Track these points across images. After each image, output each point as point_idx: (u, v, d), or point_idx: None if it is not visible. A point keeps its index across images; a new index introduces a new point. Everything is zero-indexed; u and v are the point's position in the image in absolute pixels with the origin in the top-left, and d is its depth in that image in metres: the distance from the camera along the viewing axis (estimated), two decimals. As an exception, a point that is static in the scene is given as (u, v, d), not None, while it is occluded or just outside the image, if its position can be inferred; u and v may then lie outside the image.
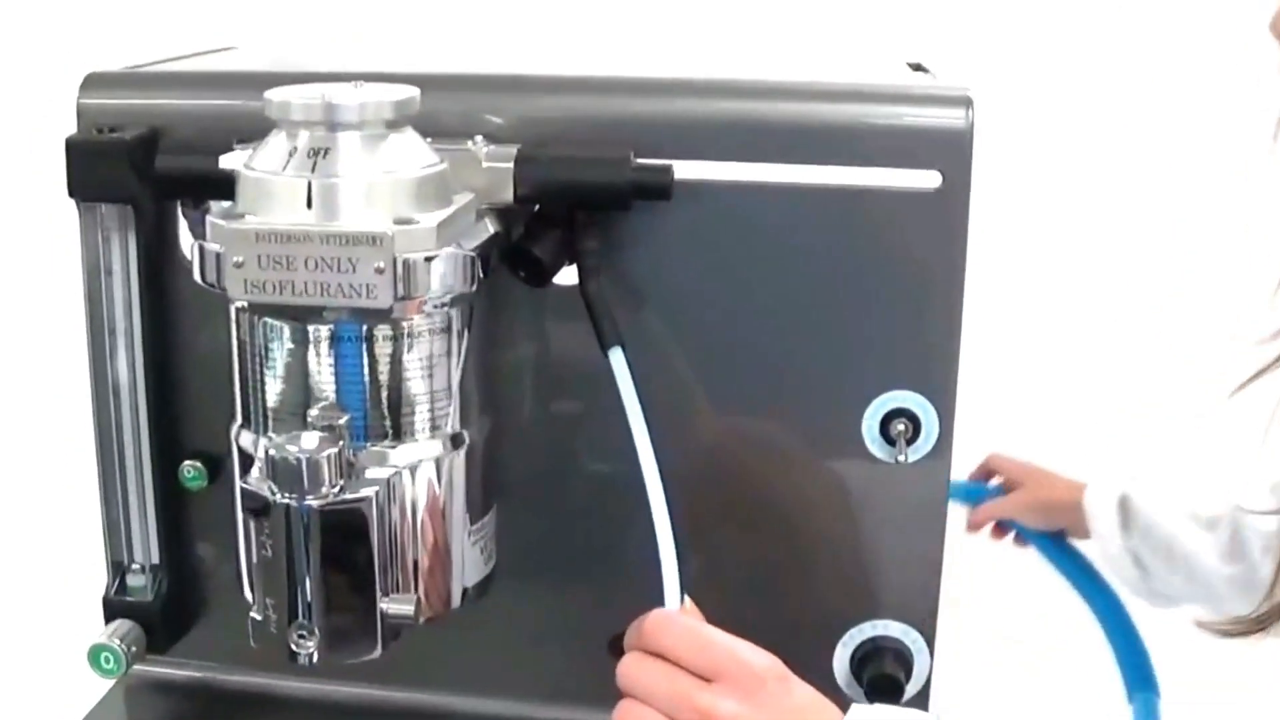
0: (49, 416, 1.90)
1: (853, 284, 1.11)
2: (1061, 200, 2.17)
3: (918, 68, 1.28)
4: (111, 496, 1.19)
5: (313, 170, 0.98)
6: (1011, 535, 1.81)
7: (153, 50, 1.29)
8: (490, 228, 1.06)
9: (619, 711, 0.99)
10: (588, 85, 1.17)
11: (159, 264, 1.16)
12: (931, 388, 1.14)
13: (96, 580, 1.21)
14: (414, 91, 1.02)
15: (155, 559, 1.20)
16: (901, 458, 1.14)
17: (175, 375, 1.19)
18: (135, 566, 1.21)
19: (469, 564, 1.09)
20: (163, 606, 1.21)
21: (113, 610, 1.21)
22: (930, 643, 1.20)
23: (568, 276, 1.11)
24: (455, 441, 1.05)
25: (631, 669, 0.99)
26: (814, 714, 0.98)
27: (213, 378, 1.12)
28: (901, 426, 1.14)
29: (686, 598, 1.03)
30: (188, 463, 1.19)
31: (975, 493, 1.80)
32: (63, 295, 1.21)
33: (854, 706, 1.00)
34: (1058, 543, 1.76)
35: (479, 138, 1.10)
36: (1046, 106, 2.14)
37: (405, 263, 0.96)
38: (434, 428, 1.04)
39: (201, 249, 1.00)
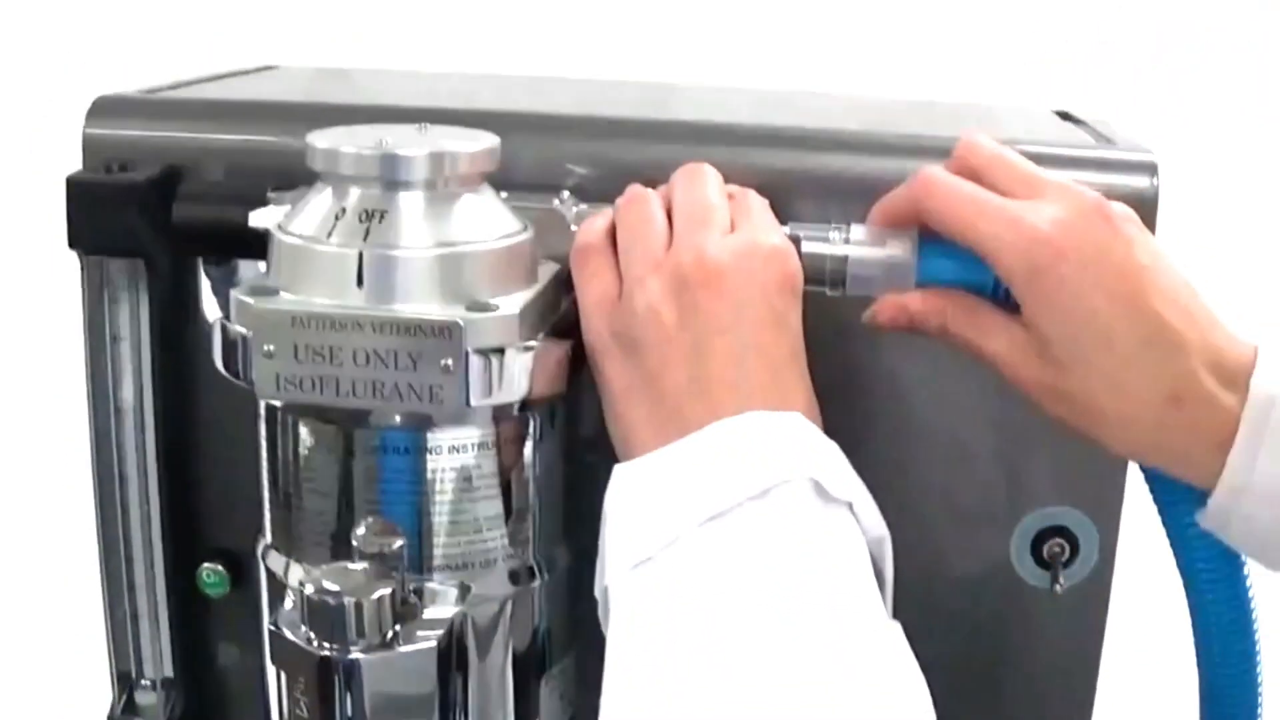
0: (47, 509, 1.60)
1: (1001, 380, 0.85)
2: (1248, 276, 1.85)
3: (1066, 116, 1.02)
4: (118, 602, 0.93)
5: (365, 238, 0.73)
6: None
7: (175, 67, 1.03)
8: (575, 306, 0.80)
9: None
10: (698, 131, 0.90)
11: (176, 330, 0.89)
12: (1093, 503, 0.89)
13: (100, 696, 0.96)
14: (493, 140, 0.76)
15: (168, 673, 0.94)
16: (1059, 586, 0.88)
17: (194, 462, 0.92)
18: (145, 682, 0.95)
19: (546, 715, 0.83)
20: (176, 728, 0.95)
21: (118, 732, 0.95)
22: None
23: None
24: (532, 573, 0.79)
25: (627, 199, 0.80)
26: (740, 339, 0.73)
27: (239, 466, 0.86)
28: (1057, 548, 0.89)
29: None
30: (207, 565, 0.93)
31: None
32: (62, 363, 0.94)
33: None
34: None
35: (565, 194, 0.83)
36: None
37: (480, 359, 0.71)
38: (508, 556, 0.78)
39: (224, 330, 0.74)
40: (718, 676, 0.63)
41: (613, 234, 0.78)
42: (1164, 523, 0.81)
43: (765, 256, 0.74)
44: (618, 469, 0.72)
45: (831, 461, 0.71)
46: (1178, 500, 0.79)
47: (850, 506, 0.70)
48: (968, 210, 0.75)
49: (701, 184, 0.78)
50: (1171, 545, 0.81)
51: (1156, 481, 0.80)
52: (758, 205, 0.79)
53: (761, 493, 0.67)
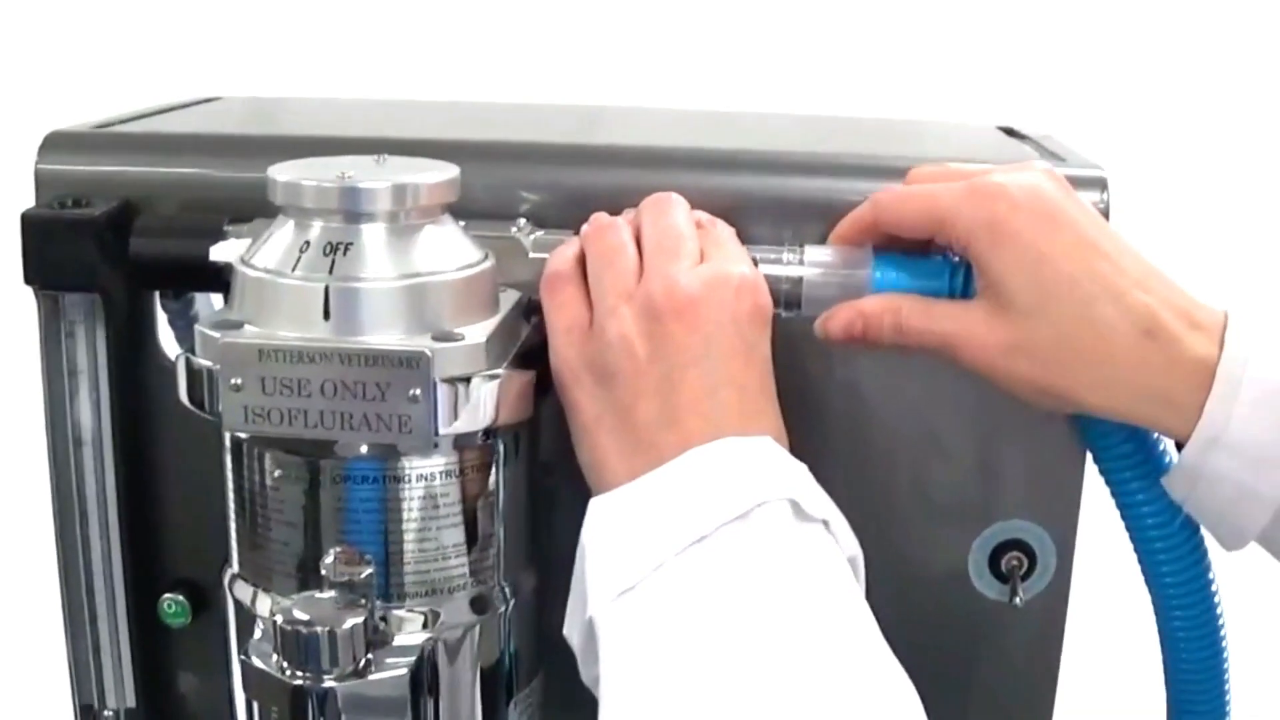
0: (6, 542, 1.58)
1: (958, 394, 0.86)
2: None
3: (1010, 132, 1.03)
4: (79, 634, 0.92)
5: (330, 271, 0.72)
6: None
7: (122, 97, 1.02)
8: (539, 333, 0.80)
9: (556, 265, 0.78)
10: (648, 156, 0.90)
11: (133, 363, 0.88)
12: (1049, 515, 0.89)
13: (63, 727, 0.94)
14: (453, 171, 0.76)
15: (130, 703, 0.93)
16: (1018, 599, 0.88)
17: (153, 493, 0.91)
18: (108, 713, 0.93)
19: (513, 738, 0.82)
20: (139, 758, 0.93)
21: (81, 763, 0.93)
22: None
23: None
24: (499, 598, 0.79)
25: (595, 228, 0.79)
26: (711, 379, 0.73)
27: (198, 497, 0.86)
28: (1015, 562, 0.89)
29: None
30: (168, 595, 0.92)
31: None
32: (20, 397, 0.93)
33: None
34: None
35: (521, 220, 0.83)
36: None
37: (448, 388, 0.71)
38: (476, 582, 0.77)
39: (189, 365, 0.74)
40: (715, 699, 0.63)
41: (582, 262, 0.78)
42: (1119, 501, 0.82)
43: (736, 287, 0.74)
44: (594, 502, 0.72)
45: (805, 482, 0.71)
46: (1136, 477, 0.80)
47: (826, 524, 0.70)
48: (923, 197, 0.77)
49: (671, 213, 0.78)
50: (1128, 526, 0.82)
51: (1111, 456, 0.81)
52: (727, 235, 0.80)
53: (741, 515, 0.67)
